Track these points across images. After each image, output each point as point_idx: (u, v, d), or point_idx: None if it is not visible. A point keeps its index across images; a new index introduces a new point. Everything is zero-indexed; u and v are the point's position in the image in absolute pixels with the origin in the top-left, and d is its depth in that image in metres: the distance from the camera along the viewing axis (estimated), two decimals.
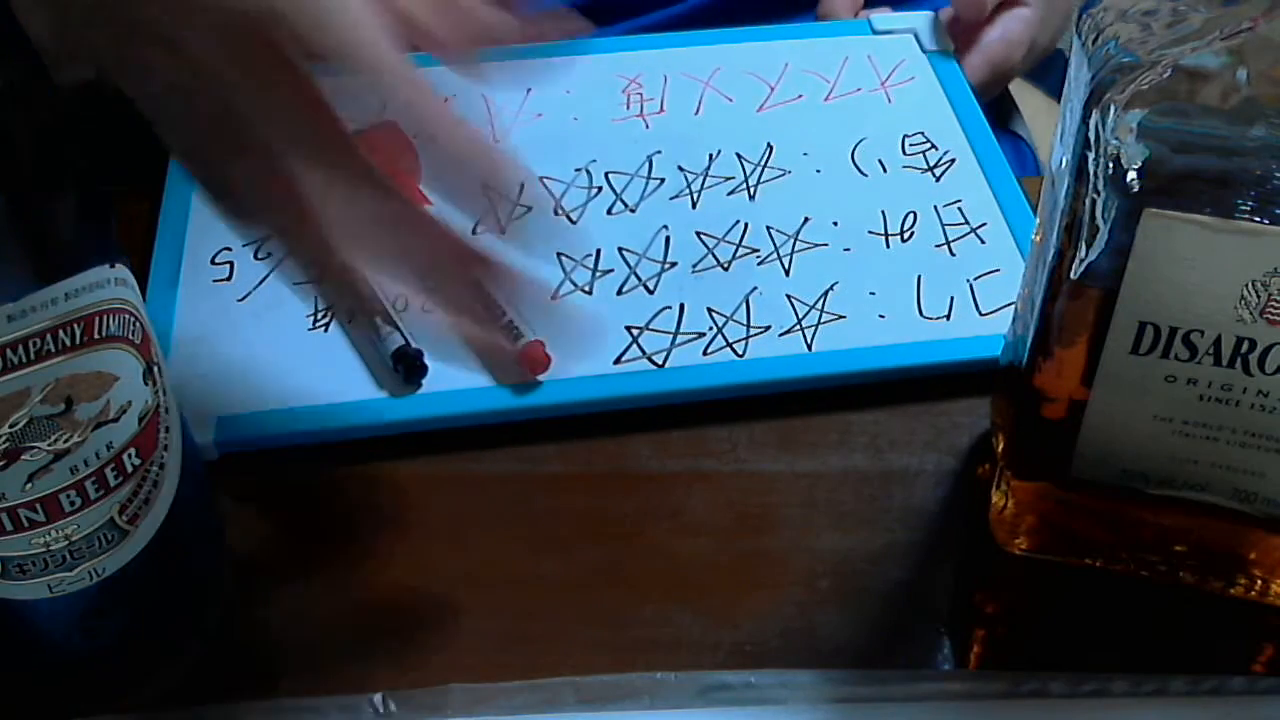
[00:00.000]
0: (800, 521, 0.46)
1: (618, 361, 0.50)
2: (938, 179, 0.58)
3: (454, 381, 0.49)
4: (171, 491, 0.38)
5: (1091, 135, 0.35)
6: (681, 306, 0.52)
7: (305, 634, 0.43)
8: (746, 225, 0.56)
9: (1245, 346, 0.37)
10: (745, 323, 0.52)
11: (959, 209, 0.57)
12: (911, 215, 0.56)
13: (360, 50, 0.37)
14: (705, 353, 0.51)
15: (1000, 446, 0.45)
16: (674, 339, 0.51)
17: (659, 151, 0.59)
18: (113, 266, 0.35)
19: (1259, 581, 0.43)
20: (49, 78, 0.32)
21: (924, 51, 0.65)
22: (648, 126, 0.61)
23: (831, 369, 0.50)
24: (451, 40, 0.39)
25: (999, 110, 0.78)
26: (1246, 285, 0.36)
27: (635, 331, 0.51)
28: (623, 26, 0.73)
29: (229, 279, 0.53)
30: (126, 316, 0.35)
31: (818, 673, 0.42)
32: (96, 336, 0.34)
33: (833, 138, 0.60)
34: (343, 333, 0.51)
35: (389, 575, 0.45)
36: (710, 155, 0.59)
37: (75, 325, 0.33)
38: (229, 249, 0.55)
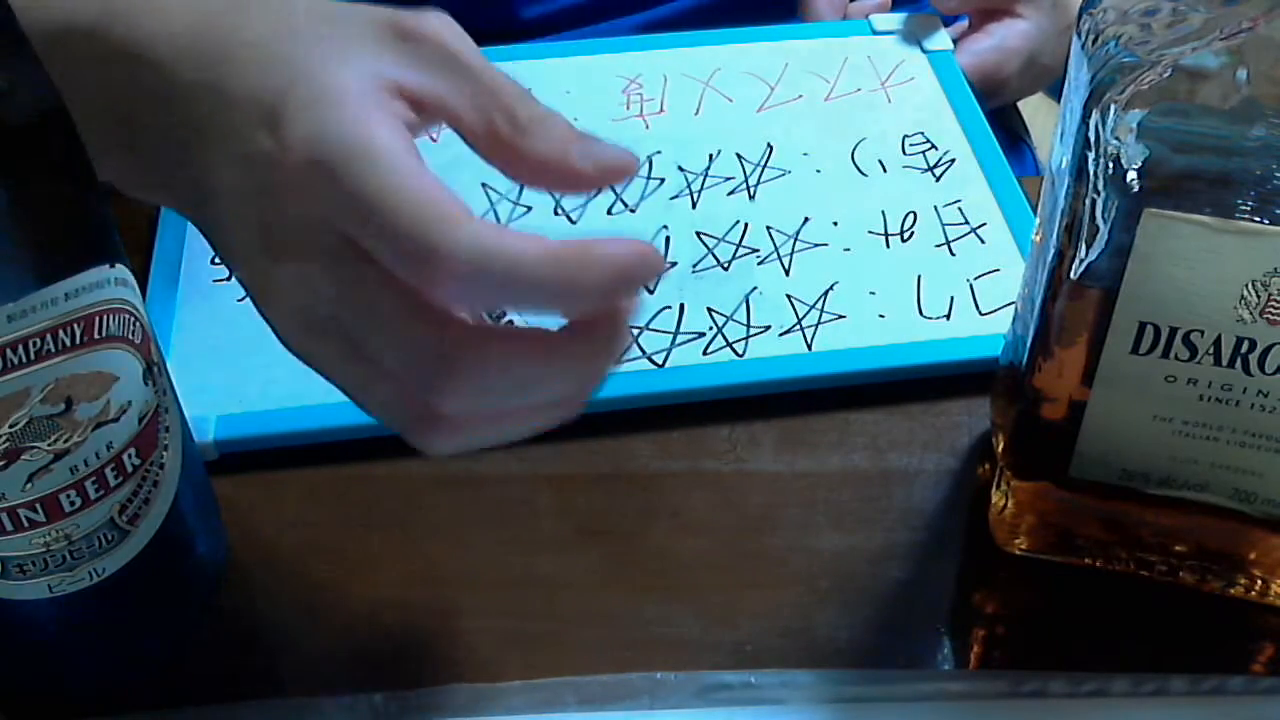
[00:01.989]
0: (800, 521, 0.46)
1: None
2: (938, 179, 0.58)
3: None
4: (171, 491, 0.38)
5: (1091, 135, 0.35)
6: (681, 306, 0.52)
7: (305, 634, 0.43)
8: (746, 225, 0.56)
9: (1245, 346, 0.37)
10: (745, 323, 0.52)
11: (959, 209, 0.57)
12: (911, 215, 0.56)
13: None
14: (705, 353, 0.51)
15: (1000, 446, 0.45)
16: (674, 339, 0.51)
17: (659, 151, 0.59)
18: (113, 266, 0.35)
19: (1259, 581, 0.43)
20: (49, 77, 0.32)
21: (924, 52, 0.65)
22: (648, 127, 0.61)
23: (831, 369, 0.50)
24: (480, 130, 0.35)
25: (999, 111, 0.78)
26: (1246, 285, 0.36)
27: (635, 331, 0.51)
28: (623, 25, 0.73)
29: (229, 279, 0.53)
30: (126, 316, 0.35)
31: (818, 673, 0.42)
32: (96, 336, 0.34)
33: (833, 138, 0.60)
34: None
35: (389, 575, 0.45)
36: (710, 155, 0.59)
37: (75, 325, 0.33)
38: None
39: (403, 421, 0.35)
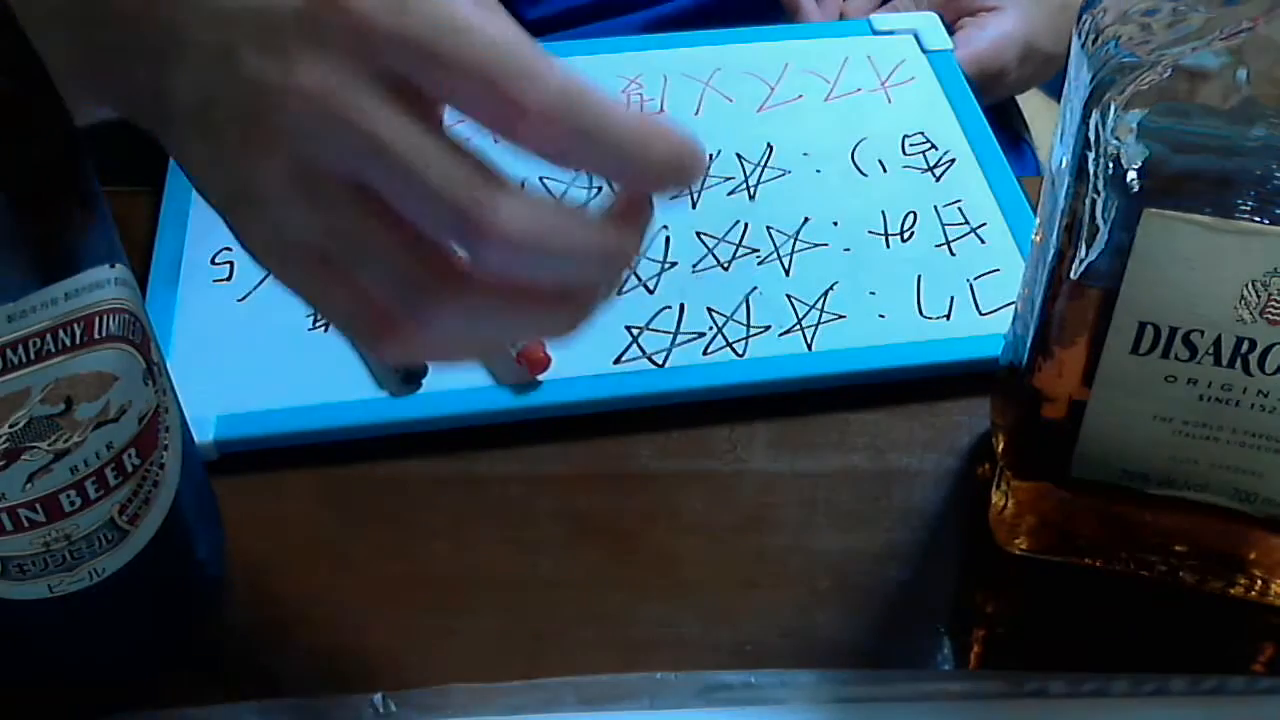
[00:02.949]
0: (800, 521, 0.46)
1: (618, 361, 0.50)
2: (938, 179, 0.58)
3: (454, 381, 0.49)
4: (171, 491, 0.38)
5: (1091, 135, 0.35)
6: (681, 306, 0.52)
7: (305, 634, 0.43)
8: (746, 225, 0.56)
9: (1245, 346, 0.37)
10: (745, 323, 0.52)
11: (959, 209, 0.57)
12: (911, 215, 0.56)
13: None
14: (705, 353, 0.51)
15: (1000, 446, 0.45)
16: (674, 339, 0.51)
17: None
18: (113, 266, 0.35)
19: (1259, 581, 0.43)
20: (49, 78, 0.32)
21: (924, 51, 0.65)
22: None
23: (831, 369, 0.50)
24: None
25: (1001, 110, 0.78)
26: (1246, 285, 0.36)
27: (635, 331, 0.51)
28: (623, 24, 0.73)
29: (229, 279, 0.53)
30: (126, 316, 0.35)
31: (818, 673, 0.42)
32: (96, 336, 0.34)
33: (833, 138, 0.60)
34: None
35: (389, 575, 0.45)
36: (710, 155, 0.59)
37: (75, 325, 0.33)
38: (229, 249, 0.54)
39: (362, 329, 0.33)
